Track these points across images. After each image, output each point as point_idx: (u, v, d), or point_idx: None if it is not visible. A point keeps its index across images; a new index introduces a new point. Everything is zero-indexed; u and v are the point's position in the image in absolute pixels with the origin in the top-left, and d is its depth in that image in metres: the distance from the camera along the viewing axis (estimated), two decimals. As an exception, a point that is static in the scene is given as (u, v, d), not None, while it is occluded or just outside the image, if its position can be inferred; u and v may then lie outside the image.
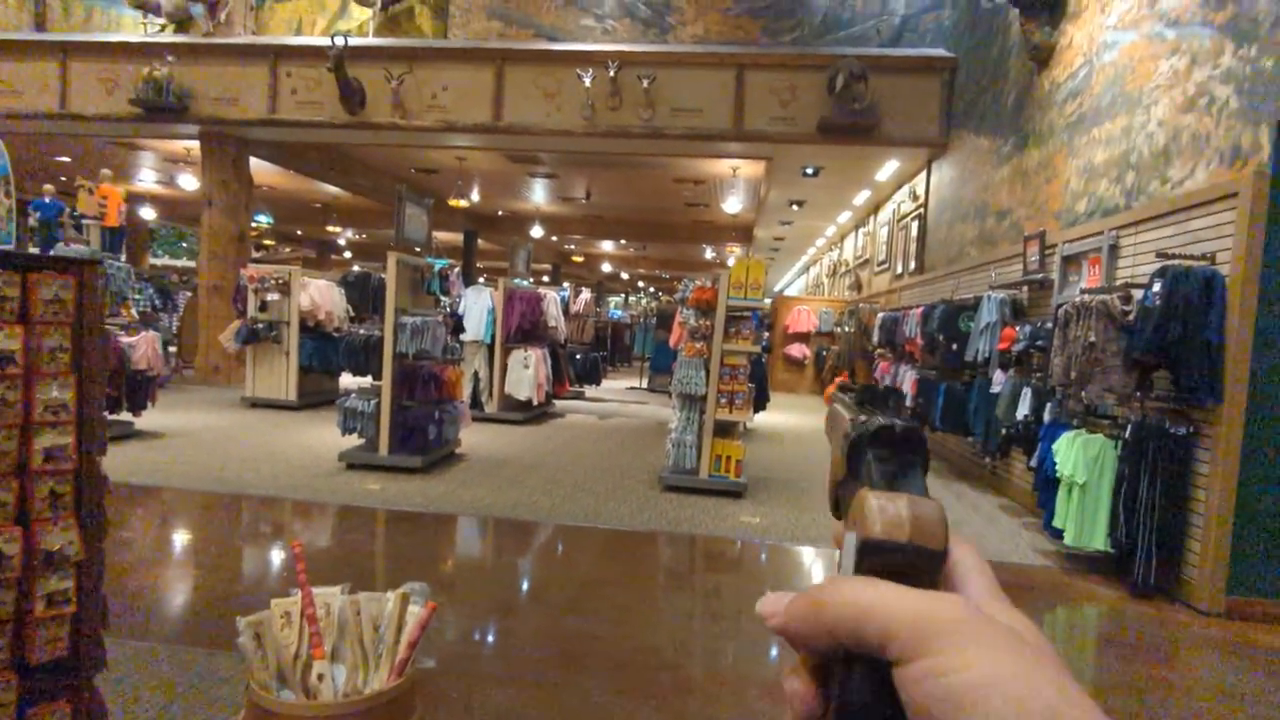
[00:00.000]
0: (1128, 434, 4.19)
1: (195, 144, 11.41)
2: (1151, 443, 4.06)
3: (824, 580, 0.31)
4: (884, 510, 0.30)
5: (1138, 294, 4.27)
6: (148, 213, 18.00)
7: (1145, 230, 4.68)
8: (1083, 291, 4.92)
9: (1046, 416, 5.13)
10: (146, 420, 7.09)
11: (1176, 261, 4.08)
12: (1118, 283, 4.75)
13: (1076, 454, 4.39)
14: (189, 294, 12.53)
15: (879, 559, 0.29)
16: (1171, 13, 4.72)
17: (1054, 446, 4.60)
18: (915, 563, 0.29)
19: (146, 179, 16.27)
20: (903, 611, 0.27)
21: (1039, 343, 5.45)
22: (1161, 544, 4.02)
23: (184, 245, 29.56)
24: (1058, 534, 4.57)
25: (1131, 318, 4.22)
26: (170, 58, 10.27)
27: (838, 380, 0.44)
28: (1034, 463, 5.14)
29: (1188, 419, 4.10)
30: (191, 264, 22.51)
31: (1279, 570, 3.87)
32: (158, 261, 25.65)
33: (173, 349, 11.82)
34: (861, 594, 0.28)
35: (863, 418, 0.37)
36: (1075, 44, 6.00)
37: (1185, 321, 3.89)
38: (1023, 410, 5.54)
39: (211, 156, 11.03)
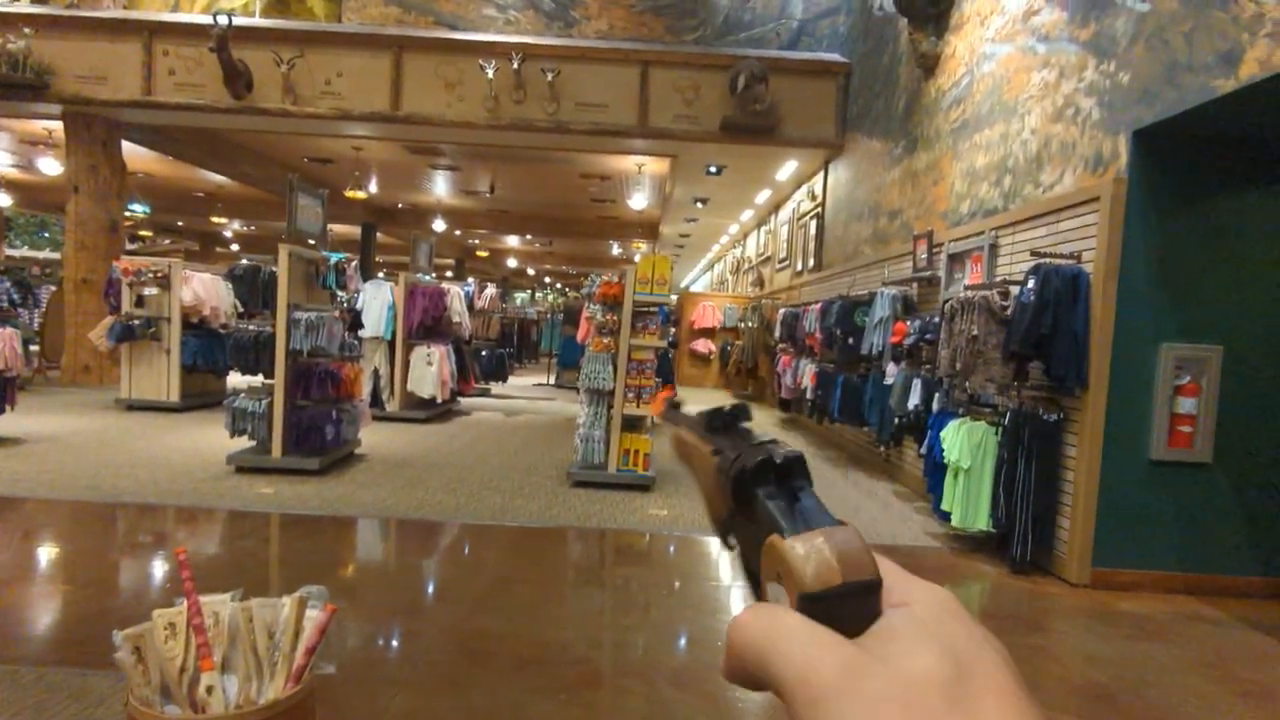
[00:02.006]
0: (1006, 421, 4.48)
1: (58, 125, 10.49)
2: (1027, 429, 4.36)
3: (751, 609, 0.31)
4: (809, 558, 0.29)
5: (1015, 290, 4.57)
6: (2, 199, 16.46)
7: (1021, 230, 5.01)
8: (966, 288, 5.22)
9: (935, 406, 5.42)
10: (5, 424, 6.48)
11: (1048, 260, 4.40)
12: (997, 279, 5.07)
13: (961, 441, 4.66)
14: (53, 288, 11.53)
15: (822, 608, 0.29)
16: (1042, 28, 5.06)
17: (942, 434, 4.87)
18: (856, 599, 0.29)
19: (1, 162, 14.87)
20: (790, 663, 0.28)
21: (928, 336, 5.75)
22: (1036, 522, 4.33)
23: (46, 235, 27.21)
24: (946, 517, 4.84)
25: (1009, 312, 4.52)
26: (27, 30, 9.40)
27: (662, 395, 0.45)
28: (924, 450, 5.43)
29: (1058, 406, 4.43)
30: (56, 255, 20.72)
31: (1137, 542, 4.24)
32: (15, 252, 23.48)
33: (34, 347, 10.85)
34: (761, 632, 0.29)
35: (729, 452, 0.36)
36: (958, 54, 6.35)
37: (1055, 315, 4.19)
38: (913, 400, 5.83)
39: (77, 139, 10.17)
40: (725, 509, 0.37)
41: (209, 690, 1.47)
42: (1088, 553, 4.20)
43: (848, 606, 0.29)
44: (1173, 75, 3.76)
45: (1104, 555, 4.20)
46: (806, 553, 0.29)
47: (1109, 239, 4.12)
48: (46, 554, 4.05)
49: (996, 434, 4.59)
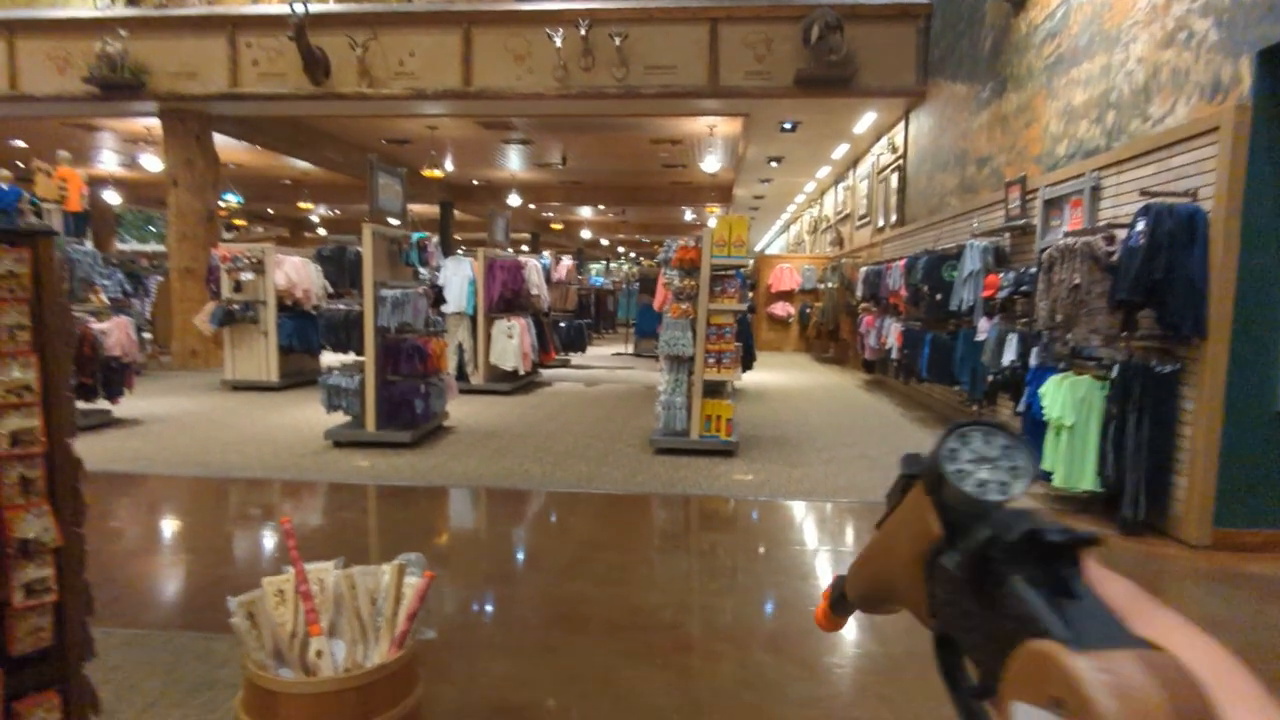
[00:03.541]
0: (1114, 374, 4.21)
1: (155, 122, 11.06)
2: (1138, 382, 4.08)
3: None
4: (1117, 691, 0.21)
5: (1121, 234, 4.25)
6: (112, 197, 17.55)
7: (1127, 170, 4.65)
8: (1066, 235, 4.90)
9: (1033, 361, 5.14)
10: (124, 408, 6.96)
11: (1159, 200, 4.07)
12: (1101, 224, 4.74)
13: (1064, 396, 4.41)
14: (160, 278, 12.27)
15: None
16: (1150, -55, 4.63)
17: (1041, 390, 4.62)
18: None
19: (108, 161, 15.82)
20: None
21: (1023, 288, 5.45)
22: (1149, 481, 4.07)
23: (152, 229, 28.92)
24: (1046, 476, 4.61)
25: (1115, 258, 4.21)
26: (123, 32, 9.89)
27: (821, 609, 0.32)
28: (1021, 407, 5.17)
29: (1173, 356, 4.12)
30: (161, 248, 22.03)
31: (1263, 501, 3.93)
32: (126, 247, 25.09)
33: (148, 334, 11.60)
34: None
35: (958, 506, 0.26)
36: (1052, -17, 5.90)
37: (1169, 259, 3.88)
38: (1009, 356, 5.55)
39: (173, 134, 10.70)
40: (915, 568, 0.29)
41: (319, 654, 1.52)
42: (1208, 512, 3.92)
43: None
44: (1307, -16, 3.38)
45: (1227, 515, 3.92)
46: (1114, 682, 0.21)
47: (1230, 173, 3.77)
48: (168, 526, 4.33)
49: (1103, 388, 4.32)
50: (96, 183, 16.12)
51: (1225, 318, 3.85)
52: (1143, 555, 3.91)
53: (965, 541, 0.27)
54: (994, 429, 0.31)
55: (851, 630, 2.88)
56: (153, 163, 13.77)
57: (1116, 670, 0.21)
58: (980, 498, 0.28)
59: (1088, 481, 4.37)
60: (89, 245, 7.31)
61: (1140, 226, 3.97)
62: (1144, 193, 4.25)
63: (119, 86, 9.94)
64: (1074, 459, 4.40)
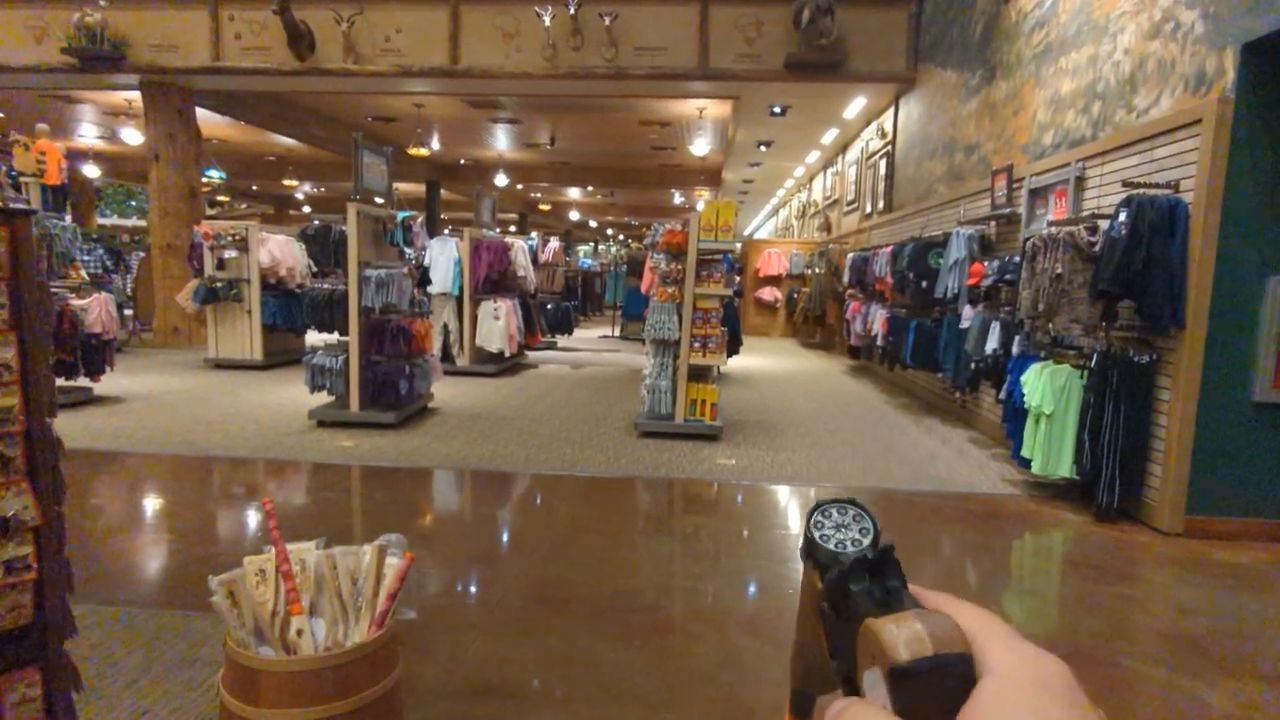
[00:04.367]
0: (1093, 363, 4.27)
1: (136, 95, 10.87)
2: (1116, 371, 4.14)
3: (845, 706, 0.31)
4: (899, 632, 0.30)
5: (1104, 225, 4.29)
6: (91, 170, 17.27)
7: (1111, 160, 4.68)
8: (1050, 224, 4.94)
9: (1015, 349, 5.20)
10: (105, 385, 6.90)
11: (1141, 191, 4.10)
12: (1084, 214, 4.78)
13: (1044, 385, 4.47)
14: (141, 254, 12.11)
15: (914, 682, 0.29)
16: (1140, -65, 4.64)
17: (1022, 378, 4.67)
18: (948, 672, 0.29)
19: (87, 134, 15.57)
20: None
21: (1007, 277, 5.49)
22: (1124, 469, 4.14)
23: (133, 204, 28.52)
24: (1026, 463, 4.68)
25: (1098, 248, 4.26)
26: (102, 2, 9.68)
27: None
28: (1003, 395, 5.24)
29: (1150, 347, 4.18)
30: (142, 223, 21.72)
31: (1235, 490, 4.01)
32: (106, 221, 24.73)
33: (128, 311, 11.47)
34: None
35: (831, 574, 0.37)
36: (1043, -29, 5.90)
37: (1149, 250, 3.93)
38: (991, 344, 5.61)
39: (155, 108, 10.52)
40: (819, 649, 0.38)
41: (299, 633, 1.53)
42: (1181, 500, 4.00)
43: (940, 680, 0.29)
44: (1291, -21, 3.40)
45: (1199, 503, 4.00)
46: (898, 628, 0.30)
47: (1211, 165, 3.81)
48: (150, 504, 4.32)
49: (1082, 377, 4.38)
50: (76, 156, 15.85)
51: (1203, 309, 3.90)
52: (1115, 541, 3.99)
53: (825, 580, 0.37)
54: (846, 504, 0.41)
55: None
56: (133, 136, 13.56)
57: (899, 620, 0.31)
58: (838, 552, 0.38)
59: (1065, 469, 4.44)
60: (68, 220, 7.21)
61: (1122, 217, 4.01)
62: (1126, 183, 4.29)
63: (98, 58, 9.75)
64: (1052, 446, 4.47)
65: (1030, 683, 0.28)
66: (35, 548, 1.41)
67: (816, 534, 0.39)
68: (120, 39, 9.85)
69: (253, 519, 4.02)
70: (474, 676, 2.46)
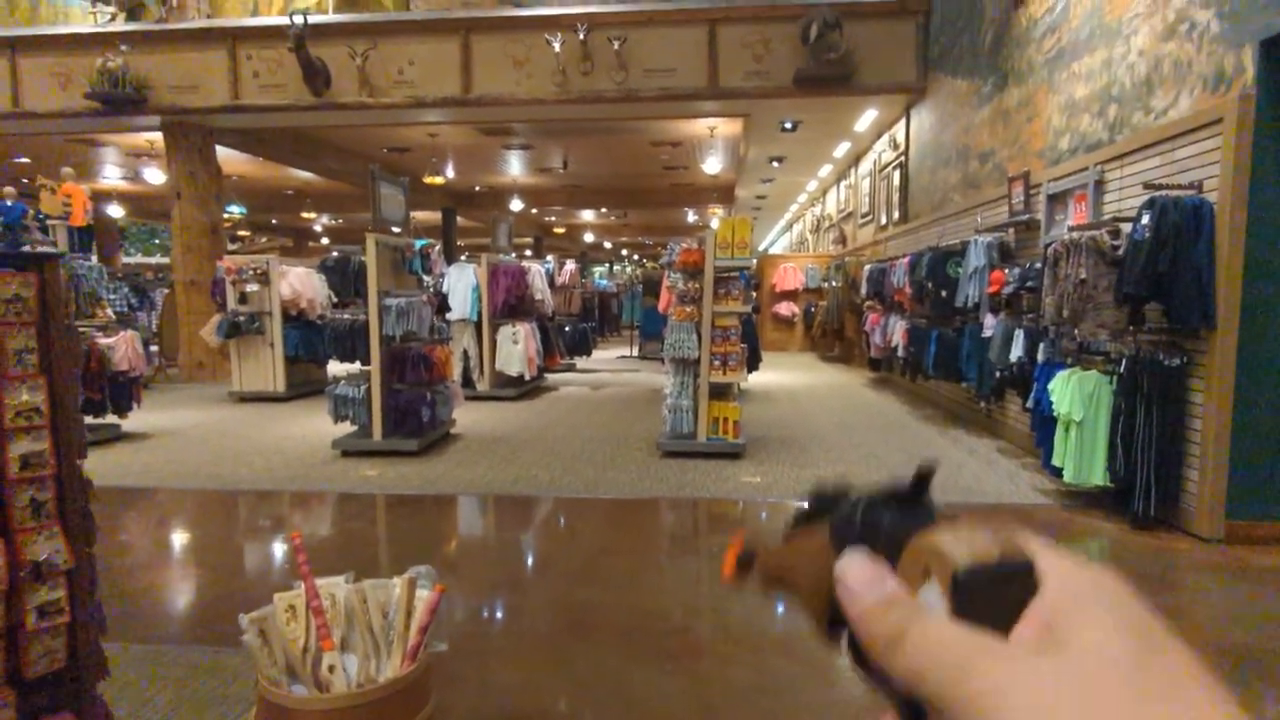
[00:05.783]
0: (1122, 368, 4.19)
1: (158, 135, 11.10)
2: (1146, 375, 4.06)
3: (907, 609, 0.28)
4: (960, 539, 0.28)
5: (1126, 228, 4.23)
6: (116, 210, 17.64)
7: (1130, 163, 4.63)
8: (1070, 229, 4.88)
9: (1040, 356, 5.12)
10: (133, 421, 6.98)
11: (1164, 192, 4.05)
12: (1105, 218, 4.71)
13: (1072, 392, 4.39)
14: (166, 291, 12.31)
15: (980, 591, 0.27)
16: (1149, -63, 4.61)
17: (1049, 386, 4.60)
18: (1013, 579, 0.28)
19: (111, 175, 15.90)
20: (947, 671, 0.25)
21: (1029, 284, 5.43)
22: (1160, 475, 4.04)
23: (156, 241, 29.07)
24: (1057, 472, 4.59)
25: (1121, 252, 4.19)
26: (124, 47, 9.94)
27: (730, 554, 0.38)
28: (1030, 403, 5.15)
29: (1181, 349, 4.10)
30: (166, 260, 22.12)
31: (1276, 493, 3.90)
32: (131, 260, 25.21)
33: (154, 347, 11.64)
34: (957, 652, 0.26)
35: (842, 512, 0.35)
36: (1051, -24, 5.88)
37: (1175, 252, 3.86)
38: (1016, 352, 5.53)
39: (176, 147, 10.74)
40: (823, 599, 0.36)
41: (331, 669, 1.51)
42: (1220, 505, 3.90)
43: (1004, 588, 0.27)
44: (1308, -27, 3.35)
45: (1240, 507, 3.89)
46: (957, 537, 0.28)
47: (1235, 164, 3.75)
48: (178, 539, 4.34)
49: (1111, 383, 4.29)
50: (100, 197, 16.20)
51: (1233, 309, 3.82)
52: (1154, 549, 3.89)
53: (844, 513, 0.35)
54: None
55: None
56: (156, 175, 13.84)
57: (957, 528, 0.29)
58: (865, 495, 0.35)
59: (1098, 476, 4.35)
60: (94, 260, 7.35)
61: (1145, 220, 3.95)
62: (1147, 185, 4.23)
63: (121, 101, 9.99)
64: (1084, 454, 4.38)
65: (1099, 586, 0.27)
66: (68, 591, 1.41)
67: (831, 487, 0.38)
68: (141, 81, 10.08)
69: (279, 552, 4.03)
70: (505, 705, 2.43)
